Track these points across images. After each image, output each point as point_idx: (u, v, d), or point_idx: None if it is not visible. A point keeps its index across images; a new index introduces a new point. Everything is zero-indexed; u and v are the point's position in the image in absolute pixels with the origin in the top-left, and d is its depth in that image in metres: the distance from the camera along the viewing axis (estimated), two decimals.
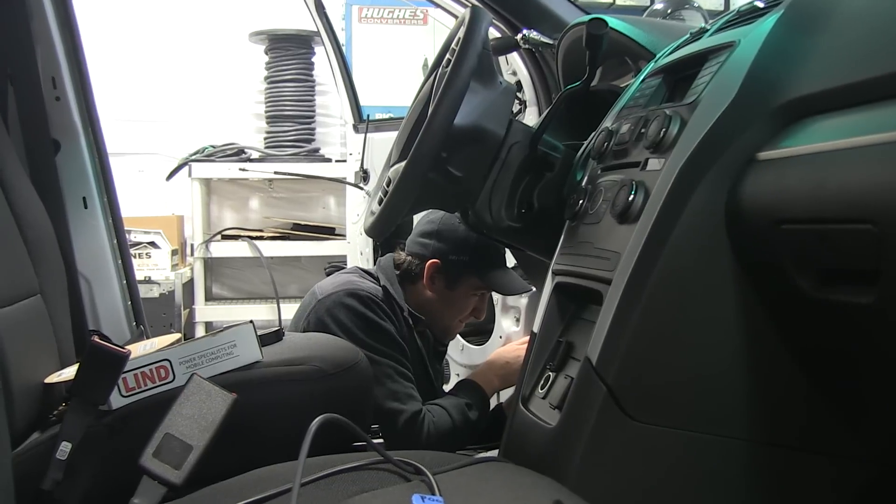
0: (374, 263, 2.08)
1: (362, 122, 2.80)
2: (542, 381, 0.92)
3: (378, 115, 2.96)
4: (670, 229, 0.78)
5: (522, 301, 1.85)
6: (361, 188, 2.75)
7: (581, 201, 0.97)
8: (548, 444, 0.84)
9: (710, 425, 0.77)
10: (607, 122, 1.01)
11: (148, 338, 1.38)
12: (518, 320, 1.89)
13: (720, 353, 0.77)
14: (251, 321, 1.08)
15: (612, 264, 0.82)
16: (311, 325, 1.50)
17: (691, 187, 0.77)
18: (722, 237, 0.76)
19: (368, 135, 2.68)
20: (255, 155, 3.50)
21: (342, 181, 3.06)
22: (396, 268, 1.65)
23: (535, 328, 0.98)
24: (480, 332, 2.07)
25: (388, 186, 1.15)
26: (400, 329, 1.55)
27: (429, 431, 1.48)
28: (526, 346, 1.70)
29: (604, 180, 0.93)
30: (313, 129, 3.64)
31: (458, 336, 2.07)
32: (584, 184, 1.00)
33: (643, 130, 0.87)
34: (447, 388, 1.75)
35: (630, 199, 0.82)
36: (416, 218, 2.28)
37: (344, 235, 3.32)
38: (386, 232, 1.14)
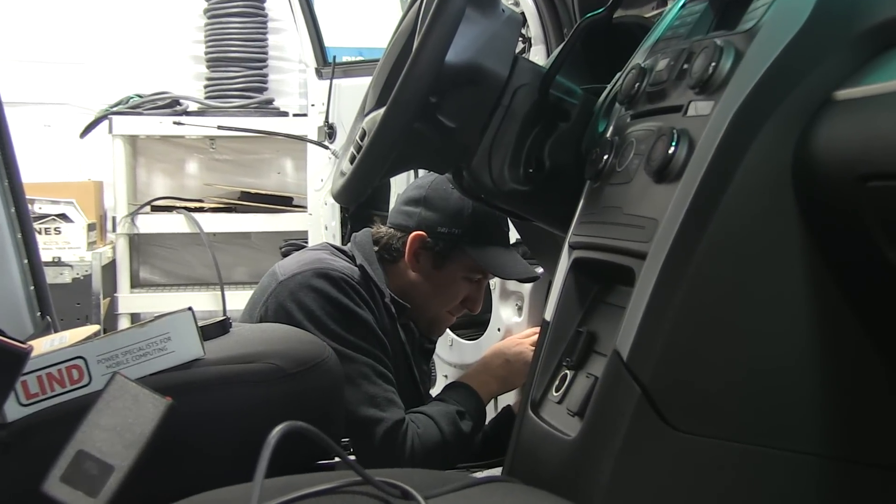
0: (343, 240, 2.07)
1: (327, 65, 2.79)
2: (556, 382, 0.92)
3: (347, 58, 2.95)
4: (722, 189, 0.77)
5: (526, 285, 1.84)
6: (326, 147, 2.76)
7: (606, 157, 0.96)
8: (566, 461, 0.83)
9: (773, 437, 0.77)
10: (638, 59, 1.00)
11: (57, 331, 1.36)
12: (520, 309, 1.88)
13: (786, 346, 0.76)
14: (190, 308, 1.07)
15: (646, 234, 0.81)
16: (269, 312, 1.49)
17: (749, 136, 0.76)
18: (788, 198, 0.75)
19: (335, 81, 2.67)
20: (193, 107, 3.47)
21: (302, 139, 3.08)
22: (375, 244, 1.64)
23: (548, 315, 0.98)
24: (474, 324, 2.06)
25: (361, 140, 1.14)
26: (380, 319, 1.54)
27: (412, 446, 1.47)
28: (529, 340, 1.77)
29: (635, 130, 0.92)
30: (266, 75, 3.63)
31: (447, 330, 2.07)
32: (609, 135, 0.99)
33: (686, 66, 0.86)
34: (434, 392, 1.74)
35: (670, 151, 0.81)
36: (396, 183, 2.32)
37: (304, 207, 3.33)
38: (358, 197, 1.13)
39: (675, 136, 0.81)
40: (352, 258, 1.61)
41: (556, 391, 0.91)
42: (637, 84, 0.95)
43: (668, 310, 0.77)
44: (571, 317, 0.95)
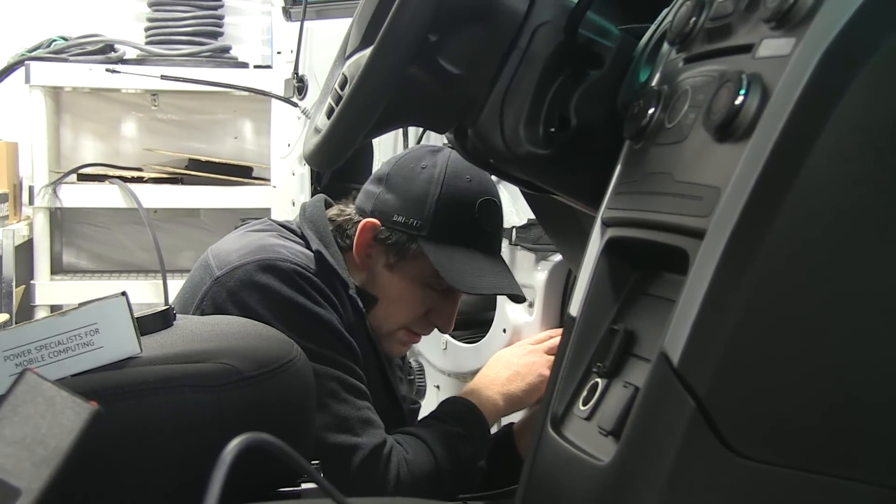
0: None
1: (297, 4, 2.80)
2: (584, 393, 0.91)
3: None
4: (805, 149, 0.75)
5: (539, 275, 1.85)
6: (295, 105, 2.80)
7: (651, 110, 0.94)
8: (597, 492, 0.82)
9: (867, 469, 0.75)
10: None
11: None
12: (531, 305, 1.89)
13: (889, 352, 0.74)
14: (123, 293, 1.06)
15: (705, 206, 0.79)
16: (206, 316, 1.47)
17: (843, 81, 0.74)
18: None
19: (307, 24, 2.68)
20: (131, 53, 3.48)
21: (265, 94, 3.11)
22: (330, 222, 1.62)
23: (574, 310, 0.96)
24: (473, 324, 2.08)
25: (341, 90, 1.14)
26: (345, 318, 1.51)
27: (398, 475, 1.46)
28: (544, 346, 1.76)
29: (690, 76, 0.91)
30: (221, 17, 3.65)
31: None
32: (654, 84, 0.98)
33: None
34: (425, 408, 1.72)
35: (737, 102, 0.79)
36: (381, 148, 2.31)
37: (266, 179, 3.40)
38: (336, 160, 1.13)
39: (744, 82, 0.79)
40: (304, 239, 1.58)
41: (584, 404, 0.90)
42: (693, 19, 0.93)
43: (733, 303, 0.75)
44: (604, 312, 0.94)
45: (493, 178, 1.67)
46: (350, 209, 1.64)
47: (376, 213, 1.59)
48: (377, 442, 1.45)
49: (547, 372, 1.66)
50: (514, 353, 1.72)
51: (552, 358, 1.70)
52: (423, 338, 1.71)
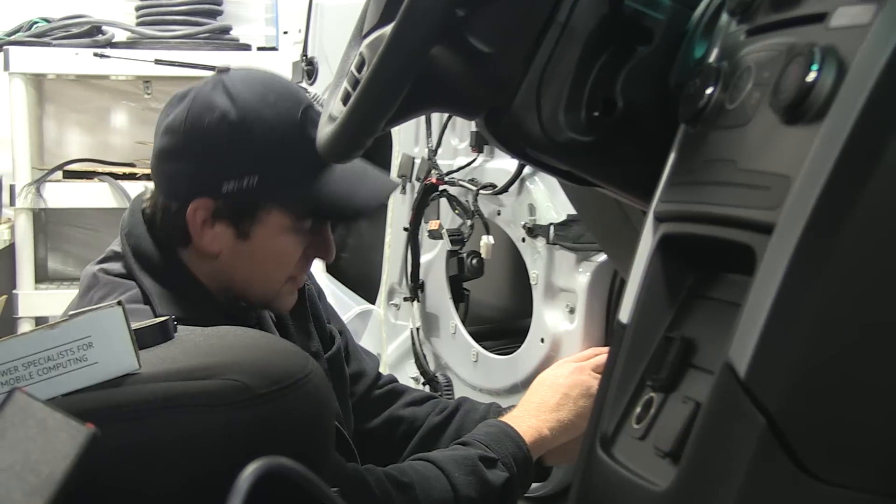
0: None
1: None
2: (638, 409, 0.90)
3: None
4: (889, 130, 0.74)
5: (580, 278, 1.85)
6: (305, 90, 2.76)
7: (710, 90, 0.94)
8: None
9: None
10: None
11: None
12: (572, 311, 1.88)
13: None
14: (119, 302, 1.07)
15: (774, 198, 0.79)
16: None
17: None
18: None
19: (316, 0, 2.69)
20: (121, 36, 3.51)
21: None
22: (149, 224, 1.60)
23: (624, 317, 0.96)
24: (507, 333, 2.10)
25: (359, 72, 1.16)
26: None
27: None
28: (591, 363, 1.76)
29: (754, 51, 0.90)
30: None
31: (469, 339, 2.07)
32: (713, 60, 0.98)
33: None
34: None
35: (808, 79, 0.78)
36: (400, 137, 2.31)
37: None
38: (354, 151, 1.14)
39: (817, 55, 0.79)
40: (125, 264, 1.57)
41: (638, 422, 0.89)
42: None
43: (807, 306, 0.75)
44: (658, 318, 0.94)
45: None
46: (160, 199, 1.61)
47: (199, 192, 1.55)
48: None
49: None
50: (557, 373, 1.70)
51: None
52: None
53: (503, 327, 2.08)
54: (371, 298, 2.61)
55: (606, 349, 1.73)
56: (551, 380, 1.69)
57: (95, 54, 3.35)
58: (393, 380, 1.91)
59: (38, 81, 3.64)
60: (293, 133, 1.54)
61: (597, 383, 1.64)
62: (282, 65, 3.01)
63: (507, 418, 1.64)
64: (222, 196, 1.53)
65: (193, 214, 1.55)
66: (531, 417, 1.63)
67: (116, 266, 1.59)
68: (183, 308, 1.50)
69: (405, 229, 2.29)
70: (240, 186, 1.53)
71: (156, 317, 1.42)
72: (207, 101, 1.55)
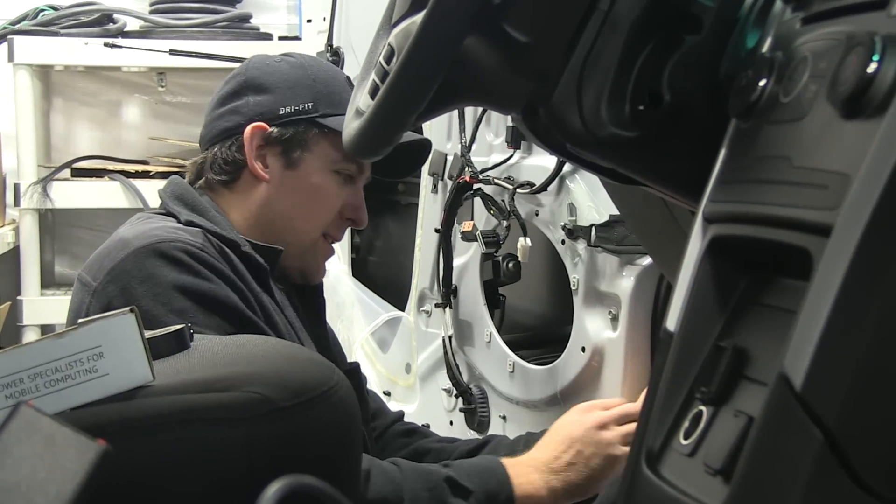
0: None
1: None
2: (686, 423, 0.90)
3: None
4: None
5: (624, 283, 1.84)
6: None
7: (763, 82, 0.93)
8: None
9: None
10: None
11: None
12: (615, 319, 1.88)
13: None
14: (132, 309, 1.06)
15: (832, 197, 0.78)
16: None
17: None
18: None
19: None
20: (133, 25, 3.52)
21: None
22: (197, 179, 1.77)
23: (671, 324, 0.96)
24: (545, 341, 2.10)
25: (388, 64, 1.17)
26: (244, 288, 1.60)
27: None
28: (614, 413, 1.74)
29: (810, 41, 0.90)
30: None
31: (505, 348, 2.07)
32: (766, 50, 0.97)
33: None
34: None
35: (869, 70, 0.78)
36: (433, 133, 2.31)
37: None
38: (382, 147, 1.15)
39: (878, 45, 0.78)
40: (173, 216, 1.70)
41: (686, 437, 0.89)
42: None
43: (869, 313, 0.74)
44: (708, 326, 0.93)
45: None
46: (201, 156, 1.79)
47: (256, 119, 1.74)
48: None
49: (619, 452, 1.66)
50: (577, 423, 1.68)
51: (626, 431, 1.70)
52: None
53: (541, 335, 2.07)
54: (400, 305, 2.61)
55: (639, 404, 1.72)
56: (568, 431, 1.67)
57: (106, 44, 3.35)
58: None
59: (44, 73, 3.63)
60: (343, 83, 1.79)
61: (619, 438, 1.66)
62: (304, 53, 3.02)
63: (514, 462, 1.65)
64: (279, 119, 1.75)
65: (251, 137, 1.74)
66: (535, 472, 1.63)
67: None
68: (225, 250, 1.65)
69: (437, 231, 2.29)
70: (296, 109, 1.75)
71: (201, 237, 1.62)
72: (264, 56, 1.85)
